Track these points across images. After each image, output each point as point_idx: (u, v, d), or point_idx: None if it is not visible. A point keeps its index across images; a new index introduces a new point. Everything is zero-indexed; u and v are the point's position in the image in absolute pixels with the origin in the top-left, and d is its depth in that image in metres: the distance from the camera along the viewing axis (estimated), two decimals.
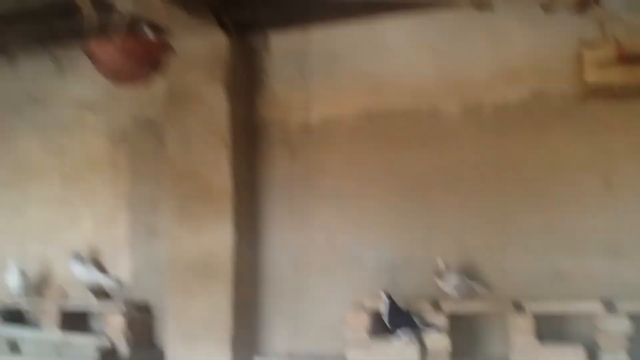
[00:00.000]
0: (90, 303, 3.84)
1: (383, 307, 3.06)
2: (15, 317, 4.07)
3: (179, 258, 3.56)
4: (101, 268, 3.96)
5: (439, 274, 3.15)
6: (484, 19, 3.24)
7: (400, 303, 3.06)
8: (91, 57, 2.66)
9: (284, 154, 3.67)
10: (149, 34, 2.87)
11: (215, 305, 3.45)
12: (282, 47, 3.68)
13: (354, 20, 3.48)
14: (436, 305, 3.11)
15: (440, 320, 3.03)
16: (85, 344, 3.62)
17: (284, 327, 3.61)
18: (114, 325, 3.61)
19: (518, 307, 2.95)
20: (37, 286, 4.10)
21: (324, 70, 3.58)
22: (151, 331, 3.81)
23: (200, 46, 3.52)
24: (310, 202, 3.60)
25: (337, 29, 3.54)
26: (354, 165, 3.53)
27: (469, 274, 3.20)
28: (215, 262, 3.49)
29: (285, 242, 3.65)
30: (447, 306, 3.08)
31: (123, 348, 3.58)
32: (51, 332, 3.78)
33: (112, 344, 3.57)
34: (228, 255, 3.47)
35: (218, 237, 3.49)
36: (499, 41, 3.31)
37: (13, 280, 3.96)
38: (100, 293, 3.90)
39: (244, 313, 3.55)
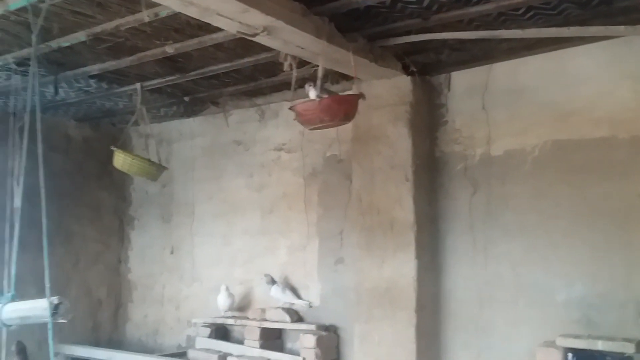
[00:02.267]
0: (286, 323, 4.24)
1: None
2: (223, 333, 4.65)
3: (363, 286, 3.76)
4: (294, 292, 4.37)
5: None
6: None
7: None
8: (296, 113, 3.04)
9: (465, 187, 3.72)
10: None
11: (399, 332, 3.56)
12: (464, 83, 3.77)
13: (540, 52, 3.45)
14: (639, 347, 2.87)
15: None
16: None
17: (468, 359, 3.58)
18: (306, 345, 3.92)
19: None
20: (241, 306, 4.65)
21: (506, 102, 3.59)
22: (339, 352, 4.07)
23: (385, 89, 3.76)
24: (493, 235, 3.58)
25: (522, 62, 3.54)
26: (539, 197, 3.44)
27: None
28: (398, 291, 3.62)
29: (468, 275, 3.66)
30: None
31: None
32: (253, 348, 4.25)
33: None
34: (411, 285, 3.58)
35: (401, 268, 3.62)
36: None
37: (222, 301, 4.54)
38: (294, 314, 4.29)
39: (427, 342, 3.61)
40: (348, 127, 3.88)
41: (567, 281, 3.31)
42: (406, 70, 3.66)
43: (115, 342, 5.34)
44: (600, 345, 2.95)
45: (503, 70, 3.62)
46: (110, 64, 3.78)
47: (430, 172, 3.81)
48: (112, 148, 4.03)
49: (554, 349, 3.04)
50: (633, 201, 3.15)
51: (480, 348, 3.55)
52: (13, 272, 2.48)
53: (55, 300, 2.24)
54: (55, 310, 2.22)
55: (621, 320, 3.08)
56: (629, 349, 2.87)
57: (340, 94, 3.43)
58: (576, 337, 3.06)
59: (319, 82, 2.97)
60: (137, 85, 4.13)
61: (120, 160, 4.00)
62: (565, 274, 3.31)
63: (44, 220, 2.37)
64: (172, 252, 5.22)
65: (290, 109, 3.03)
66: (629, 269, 3.13)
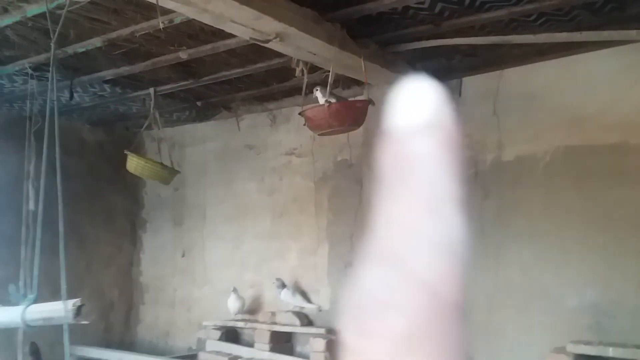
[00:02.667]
0: (295, 327, 4.26)
1: None
2: (233, 336, 4.68)
3: None
4: (304, 295, 4.39)
5: None
6: None
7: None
8: (305, 119, 3.07)
9: (476, 192, 3.72)
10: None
11: None
12: (475, 88, 3.78)
13: (552, 57, 3.45)
14: None
15: None
16: None
17: None
18: (316, 349, 3.94)
19: None
20: (251, 309, 4.68)
21: (518, 108, 3.59)
22: None
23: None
24: (504, 241, 3.58)
25: (534, 67, 3.54)
26: (551, 203, 3.44)
27: None
28: None
29: (479, 280, 3.65)
30: None
31: None
32: (262, 351, 4.28)
33: None
34: None
35: None
36: None
37: (232, 304, 4.58)
38: (304, 318, 4.31)
39: None
40: (359, 131, 3.88)
41: (578, 287, 3.30)
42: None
43: (127, 344, 5.39)
44: (611, 352, 2.94)
45: (515, 76, 3.62)
46: (125, 69, 3.84)
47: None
48: (126, 152, 4.08)
49: (564, 355, 3.04)
50: None
51: (490, 354, 3.54)
52: (36, 273, 2.53)
53: (78, 302, 2.28)
54: (77, 312, 2.26)
55: (633, 327, 3.07)
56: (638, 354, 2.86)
57: (350, 99, 3.45)
58: (587, 343, 3.05)
59: (328, 88, 3.00)
60: (151, 90, 4.18)
61: (134, 164, 4.05)
62: (577, 280, 3.31)
63: (61, 223, 2.43)
64: (183, 255, 5.26)
65: (299, 114, 3.06)
66: None
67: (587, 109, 3.36)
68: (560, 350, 3.09)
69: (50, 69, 2.55)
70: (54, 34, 2.61)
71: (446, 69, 3.70)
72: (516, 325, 3.48)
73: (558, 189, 3.42)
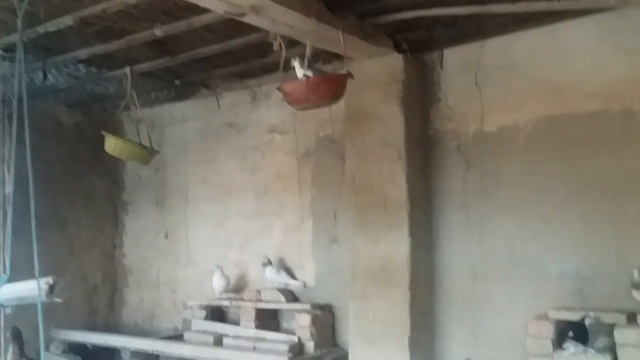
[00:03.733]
0: (281, 303, 4.27)
1: None
2: (219, 315, 4.68)
3: (358, 264, 3.78)
4: (289, 272, 4.39)
5: (635, 285, 2.94)
6: None
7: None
8: (283, 93, 3.02)
9: (459, 164, 3.73)
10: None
11: (394, 309, 3.60)
12: (457, 60, 3.76)
13: (532, 27, 3.43)
14: (631, 318, 2.91)
15: (636, 333, 2.83)
16: (277, 340, 4.02)
17: (462, 334, 3.63)
18: (301, 324, 3.95)
19: None
20: (236, 288, 4.67)
21: (499, 79, 3.58)
22: (334, 331, 4.11)
23: (377, 67, 3.74)
24: (487, 211, 3.60)
25: (514, 37, 3.52)
26: (533, 173, 3.45)
27: None
28: (392, 269, 3.64)
29: (462, 251, 3.68)
30: None
31: (310, 345, 3.89)
32: (248, 329, 4.29)
33: (300, 341, 3.91)
34: (405, 262, 3.60)
35: (395, 245, 3.64)
36: None
37: (217, 283, 4.56)
38: (289, 294, 4.32)
39: (422, 318, 3.65)
40: (340, 107, 3.87)
41: (560, 255, 3.34)
42: (398, 48, 3.64)
43: (112, 327, 5.37)
44: (592, 317, 2.99)
45: (496, 47, 3.61)
46: (99, 48, 3.75)
47: (423, 150, 3.82)
48: (103, 133, 4.01)
49: (547, 322, 3.08)
50: (626, 175, 3.17)
51: (475, 322, 3.60)
52: (8, 254, 2.49)
53: (50, 280, 2.24)
54: (50, 290, 2.22)
55: (614, 292, 3.12)
56: (621, 320, 2.92)
57: (328, 73, 3.41)
58: (569, 309, 3.10)
59: (306, 61, 2.95)
60: (127, 69, 4.10)
61: (112, 144, 3.98)
62: (559, 247, 3.35)
63: (32, 203, 2.37)
64: (166, 236, 5.22)
65: (278, 89, 3.01)
66: (621, 242, 3.16)
67: (567, 77, 3.36)
68: (543, 316, 3.14)
69: (17, 47, 2.46)
70: (22, 12, 2.52)
71: (427, 40, 3.66)
72: (500, 293, 3.52)
73: (540, 159, 3.44)
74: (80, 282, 5.24)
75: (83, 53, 3.83)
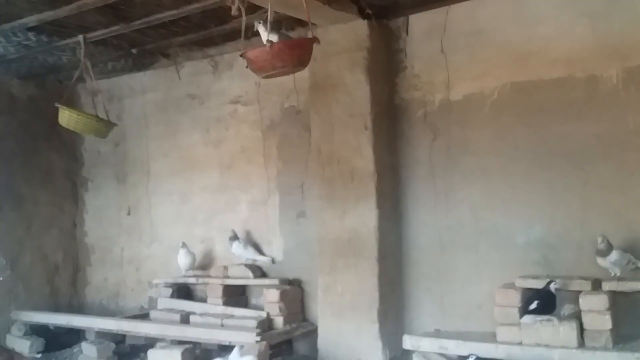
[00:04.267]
0: (248, 279, 4.19)
1: None
2: (185, 292, 4.58)
3: (326, 237, 3.73)
4: (257, 247, 4.31)
5: (599, 252, 2.94)
6: None
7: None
8: (247, 60, 2.88)
9: (425, 133, 3.67)
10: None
11: (362, 281, 3.56)
12: (422, 26, 3.67)
13: None
14: (596, 284, 2.92)
15: (601, 299, 2.84)
16: (245, 316, 3.95)
17: (431, 305, 3.62)
18: (270, 300, 3.89)
19: None
20: (203, 265, 4.57)
21: (465, 45, 3.51)
22: (303, 306, 4.06)
23: (341, 34, 3.64)
24: (453, 180, 3.56)
25: (480, 2, 3.44)
26: (499, 141, 3.42)
27: (633, 251, 2.95)
28: (360, 241, 3.59)
29: (430, 221, 3.65)
30: (609, 285, 2.88)
31: (279, 320, 3.83)
32: (216, 306, 4.20)
33: (269, 317, 3.84)
34: (372, 234, 3.56)
35: (362, 218, 3.59)
36: None
37: (182, 260, 4.45)
38: (257, 270, 4.24)
39: (390, 290, 3.62)
40: (305, 76, 3.77)
41: (526, 223, 3.33)
42: (362, 13, 3.54)
43: (75, 307, 5.23)
44: (557, 285, 3.00)
45: (461, 12, 3.53)
46: (48, 15, 3.53)
47: (390, 120, 3.75)
48: (57, 105, 3.81)
49: (513, 290, 3.08)
50: (589, 141, 3.16)
51: (443, 292, 3.58)
52: None
53: None
54: None
55: (578, 259, 3.13)
56: (586, 287, 2.93)
57: (293, 38, 3.27)
58: (534, 277, 3.10)
59: (268, 26, 2.81)
60: (80, 37, 3.88)
61: (66, 117, 3.79)
62: (525, 216, 3.34)
63: None
64: (129, 213, 5.06)
65: (241, 55, 2.87)
66: (585, 209, 3.16)
67: (532, 44, 3.31)
68: (510, 285, 3.14)
69: None
70: None
71: (392, 5, 3.57)
72: (467, 263, 3.51)
73: (505, 127, 3.40)
74: (40, 261, 5.06)
75: (31, 20, 3.61)
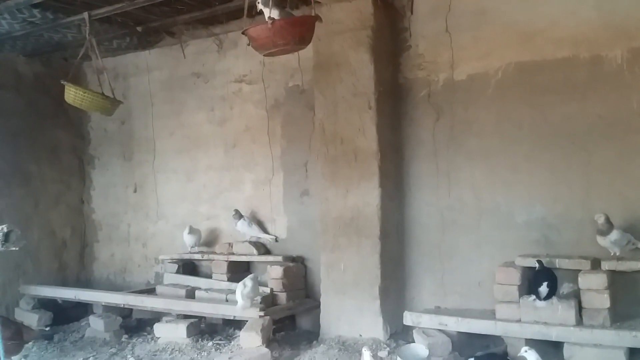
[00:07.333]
0: (253, 256, 4.25)
1: None
2: (191, 268, 4.66)
3: (329, 216, 3.76)
4: (261, 226, 4.36)
5: (599, 231, 2.97)
6: None
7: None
8: (249, 38, 2.88)
9: (429, 113, 3.67)
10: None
11: (364, 259, 3.60)
12: (427, 5, 3.65)
13: None
14: (595, 263, 2.95)
15: (600, 278, 2.87)
16: None
17: (432, 283, 3.66)
18: (273, 276, 3.94)
19: None
20: (208, 242, 4.63)
21: (469, 25, 3.49)
22: (306, 282, 4.12)
23: (346, 13, 3.61)
24: (456, 160, 3.58)
25: None
26: (502, 121, 3.42)
27: (633, 231, 2.98)
28: (363, 220, 3.62)
29: (432, 201, 3.67)
30: (608, 265, 2.92)
31: (282, 297, 3.90)
32: (220, 281, 4.27)
33: (273, 293, 3.91)
34: (375, 213, 3.58)
35: (365, 197, 3.61)
36: None
37: (188, 237, 4.51)
38: (261, 247, 4.30)
39: (392, 268, 3.66)
40: (309, 55, 3.77)
41: (527, 203, 3.35)
42: None
43: (83, 282, 5.32)
44: (557, 264, 3.04)
45: None
46: None
47: (394, 99, 3.75)
48: (63, 82, 3.82)
49: (513, 268, 3.12)
50: (593, 121, 3.16)
51: (444, 271, 3.63)
52: None
53: (4, 228, 2.15)
54: (5, 238, 2.13)
55: (579, 239, 3.16)
56: (585, 265, 2.96)
57: (295, 15, 3.26)
58: (535, 256, 3.13)
59: (270, 3, 2.80)
60: (85, 15, 3.87)
61: (72, 94, 3.81)
62: (526, 196, 3.36)
63: None
64: (135, 191, 5.12)
65: (242, 33, 2.88)
66: (587, 189, 3.18)
67: (537, 23, 3.29)
68: (510, 264, 3.18)
69: None
70: None
71: None
72: (468, 242, 3.55)
73: (509, 107, 3.40)
74: (48, 237, 5.14)
75: None
